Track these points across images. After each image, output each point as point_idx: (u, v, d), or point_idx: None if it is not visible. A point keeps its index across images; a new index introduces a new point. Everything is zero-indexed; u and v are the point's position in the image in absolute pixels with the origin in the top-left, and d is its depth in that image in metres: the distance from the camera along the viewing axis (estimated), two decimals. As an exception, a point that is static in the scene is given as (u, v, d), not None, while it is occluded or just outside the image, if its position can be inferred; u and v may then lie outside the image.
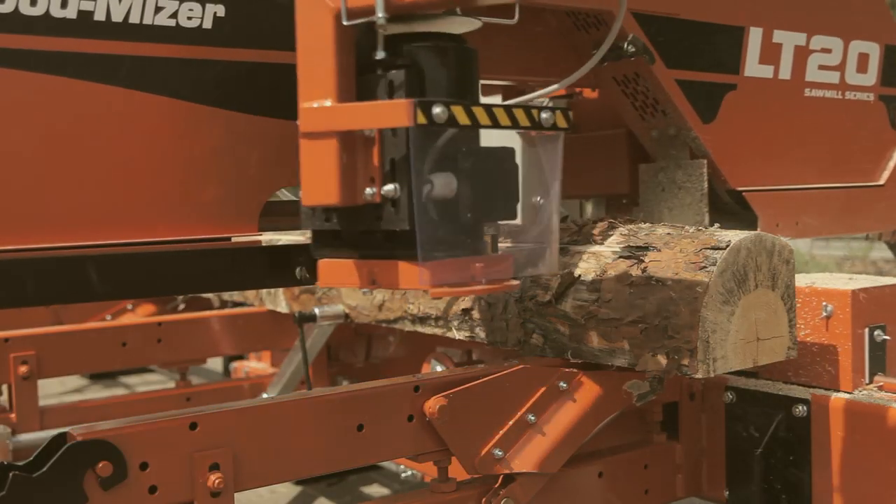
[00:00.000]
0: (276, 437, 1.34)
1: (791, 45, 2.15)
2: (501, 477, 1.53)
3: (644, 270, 1.48)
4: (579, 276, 1.57)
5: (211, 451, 1.27)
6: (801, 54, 2.17)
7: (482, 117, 1.09)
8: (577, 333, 1.56)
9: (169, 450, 1.25)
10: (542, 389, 1.55)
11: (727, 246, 1.42)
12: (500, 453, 1.50)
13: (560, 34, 2.05)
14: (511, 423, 1.52)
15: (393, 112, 1.06)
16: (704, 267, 1.41)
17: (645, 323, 1.45)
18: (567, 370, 1.56)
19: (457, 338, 1.85)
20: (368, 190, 1.12)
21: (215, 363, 4.36)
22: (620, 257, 1.53)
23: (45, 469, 1.16)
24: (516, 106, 1.13)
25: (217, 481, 1.26)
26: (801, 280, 1.71)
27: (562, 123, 1.17)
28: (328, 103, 1.12)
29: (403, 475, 2.59)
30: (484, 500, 1.52)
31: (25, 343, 2.36)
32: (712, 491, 1.79)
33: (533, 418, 1.53)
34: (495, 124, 1.10)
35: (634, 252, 1.53)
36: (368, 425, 1.42)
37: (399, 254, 1.13)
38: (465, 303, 1.78)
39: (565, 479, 1.62)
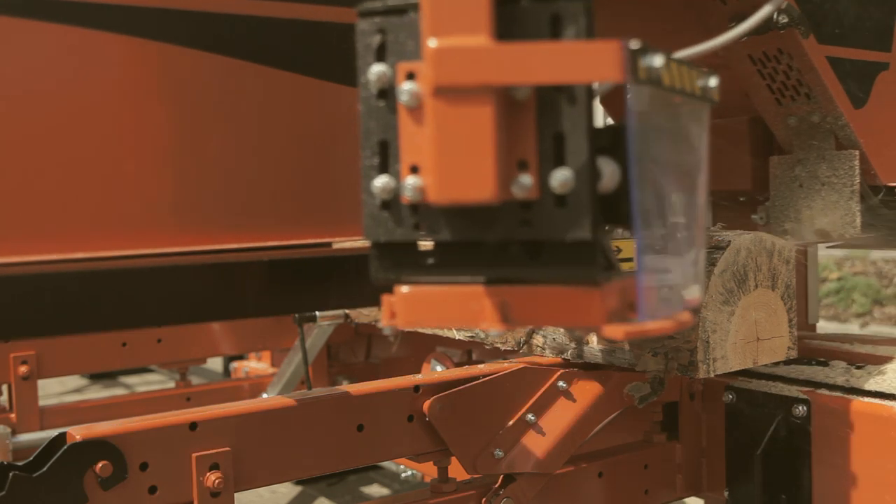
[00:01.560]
0: (276, 437, 1.34)
1: None
2: (501, 477, 1.53)
3: (644, 270, 1.48)
4: (579, 276, 1.57)
5: (211, 451, 1.27)
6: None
7: (679, 78, 0.80)
8: (576, 333, 1.56)
9: (169, 450, 1.25)
10: (542, 389, 1.55)
11: (727, 246, 1.42)
12: (500, 453, 1.50)
13: (687, 4, 1.79)
14: (511, 423, 1.52)
15: (596, 60, 0.72)
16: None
17: (645, 323, 1.45)
18: (567, 370, 1.56)
19: (457, 338, 1.85)
20: (523, 179, 0.76)
21: (215, 363, 4.37)
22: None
23: (45, 469, 1.16)
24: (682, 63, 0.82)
25: (217, 481, 1.26)
26: None
27: (715, 97, 0.90)
28: (479, 42, 0.74)
29: (403, 475, 2.60)
30: (484, 500, 1.52)
31: (25, 343, 2.36)
32: (712, 491, 1.79)
33: (533, 418, 1.53)
34: (682, 89, 0.82)
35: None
36: (368, 425, 1.42)
37: (559, 276, 0.79)
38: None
39: (565, 479, 1.62)
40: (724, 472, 1.72)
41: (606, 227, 0.80)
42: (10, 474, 1.14)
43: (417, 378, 1.50)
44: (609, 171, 0.76)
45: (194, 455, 1.26)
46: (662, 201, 0.82)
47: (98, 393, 4.49)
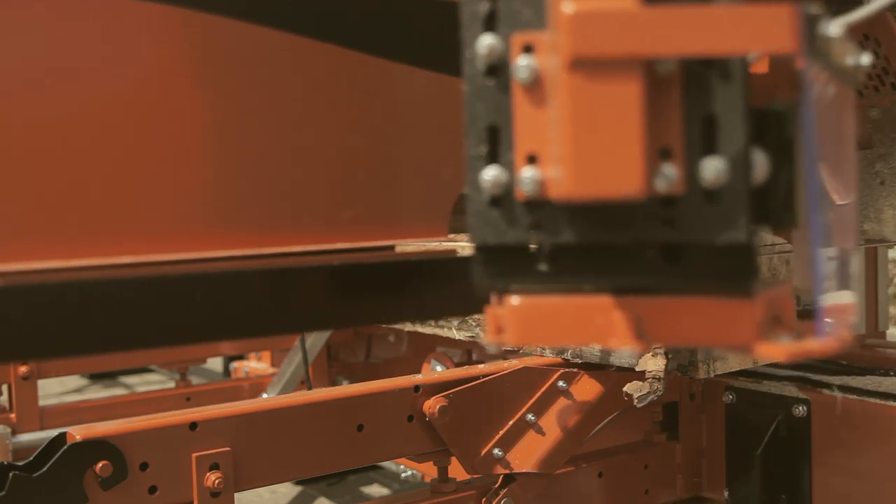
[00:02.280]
0: (276, 437, 1.34)
1: None
2: (501, 477, 1.53)
3: (644, 270, 1.48)
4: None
5: (211, 451, 1.27)
6: None
7: (840, 52, 0.68)
8: (577, 333, 1.56)
9: (169, 450, 1.25)
10: (542, 389, 1.55)
11: (727, 246, 1.42)
12: (500, 453, 1.50)
13: None
14: (511, 423, 1.52)
15: (764, 26, 0.60)
16: (704, 267, 1.41)
17: (645, 323, 1.44)
18: (567, 370, 1.56)
19: (457, 338, 1.85)
20: (667, 170, 0.63)
21: (215, 363, 4.37)
22: (620, 257, 1.53)
23: (45, 469, 1.16)
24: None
25: (217, 481, 1.26)
26: None
27: (862, 77, 0.78)
28: (624, 5, 0.62)
29: (403, 475, 2.60)
30: (484, 500, 1.52)
31: (25, 343, 2.36)
32: (712, 491, 1.79)
33: (533, 418, 1.53)
34: (840, 66, 0.70)
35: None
36: (368, 425, 1.42)
37: (706, 283, 0.67)
38: (465, 303, 1.78)
39: (565, 479, 1.62)
40: (724, 472, 1.72)
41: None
42: (10, 474, 1.14)
43: (417, 378, 1.50)
44: (760, 163, 0.64)
45: (194, 455, 1.26)
46: (818, 197, 0.69)
47: (98, 393, 4.49)
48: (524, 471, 1.51)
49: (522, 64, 0.65)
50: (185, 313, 0.87)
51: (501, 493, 1.51)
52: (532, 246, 0.70)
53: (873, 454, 1.52)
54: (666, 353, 1.43)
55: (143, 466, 1.23)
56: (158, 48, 0.89)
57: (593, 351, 1.54)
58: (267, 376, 2.91)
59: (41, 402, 2.43)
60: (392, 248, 1.02)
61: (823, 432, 1.57)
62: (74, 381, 4.68)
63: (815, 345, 0.69)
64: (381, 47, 0.95)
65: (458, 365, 2.10)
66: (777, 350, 0.66)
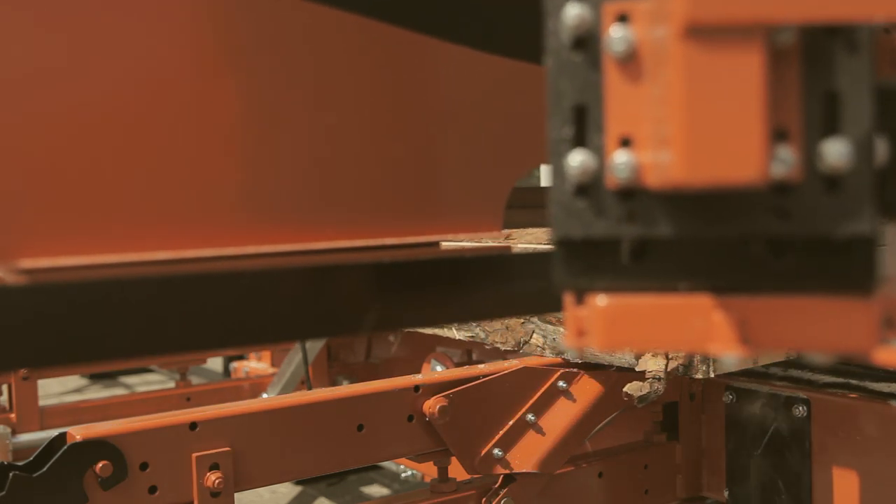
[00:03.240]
0: (276, 437, 1.34)
1: None
2: (501, 477, 1.53)
3: (644, 270, 1.48)
4: (579, 276, 1.57)
5: (211, 451, 1.27)
6: None
7: None
8: (577, 333, 1.56)
9: (169, 450, 1.25)
10: (542, 389, 1.55)
11: (727, 246, 1.42)
12: (500, 453, 1.50)
13: None
14: (511, 423, 1.52)
15: None
16: (704, 267, 1.41)
17: (645, 323, 1.45)
18: (567, 370, 1.56)
19: (457, 338, 1.85)
20: (783, 154, 0.57)
21: (215, 363, 4.37)
22: (620, 257, 1.53)
23: (45, 469, 1.16)
24: None
25: (217, 481, 1.26)
26: None
27: None
28: None
29: (403, 475, 2.60)
30: (484, 500, 1.52)
31: (25, 343, 2.36)
32: (712, 491, 1.79)
33: (533, 418, 1.53)
34: None
35: (634, 252, 1.53)
36: (368, 425, 1.42)
37: (822, 281, 0.60)
38: (465, 303, 1.78)
39: (565, 479, 1.62)
40: (724, 472, 1.72)
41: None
42: (10, 474, 1.14)
43: (417, 378, 1.50)
44: (880, 147, 0.58)
45: (194, 455, 1.26)
46: None
47: (98, 393, 4.49)
48: (524, 471, 1.51)
49: (617, 35, 0.58)
50: (218, 315, 0.81)
51: (501, 493, 1.51)
52: (623, 241, 0.63)
53: (873, 454, 1.52)
54: (666, 354, 1.42)
55: (143, 466, 1.23)
56: (186, 32, 0.83)
57: (594, 351, 1.54)
58: (267, 376, 2.91)
59: (41, 402, 2.43)
60: (437, 244, 0.95)
61: (823, 432, 1.57)
62: (74, 381, 4.68)
63: None
64: (426, 23, 0.86)
65: (458, 365, 2.10)
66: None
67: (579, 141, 0.61)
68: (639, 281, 0.63)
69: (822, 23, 0.55)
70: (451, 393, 1.47)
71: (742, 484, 1.68)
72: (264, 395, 2.52)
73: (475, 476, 1.53)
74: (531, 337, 1.65)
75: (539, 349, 1.65)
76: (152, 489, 1.24)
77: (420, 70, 0.91)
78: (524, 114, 0.93)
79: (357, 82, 0.89)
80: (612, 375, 1.55)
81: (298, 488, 3.05)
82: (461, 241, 1.00)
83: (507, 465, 1.50)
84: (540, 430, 1.53)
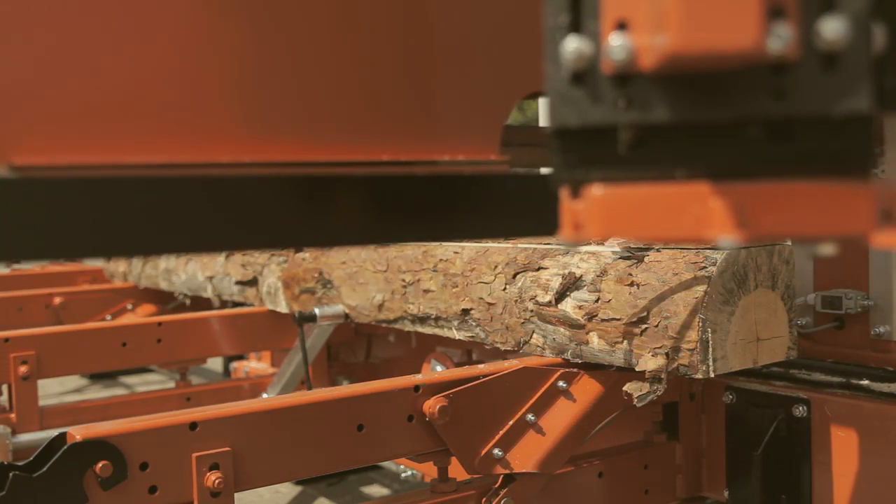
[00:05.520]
0: (276, 437, 1.34)
1: None
2: (501, 477, 1.53)
3: (644, 271, 1.48)
4: (580, 276, 1.57)
5: (211, 451, 1.27)
6: None
7: None
8: (577, 333, 1.56)
9: (169, 450, 1.25)
10: (542, 389, 1.55)
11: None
12: (500, 453, 1.50)
13: None
14: (511, 423, 1.52)
15: None
16: (704, 267, 1.41)
17: (645, 323, 1.45)
18: (567, 370, 1.56)
19: (457, 338, 1.85)
20: (780, 30, 0.55)
21: (215, 363, 4.37)
22: (620, 257, 1.54)
23: (45, 469, 1.16)
24: None
25: (217, 481, 1.26)
26: None
27: None
28: None
29: (403, 475, 2.59)
30: (484, 500, 1.52)
31: (25, 343, 2.36)
32: (712, 491, 1.79)
33: (533, 418, 1.53)
34: None
35: (634, 252, 1.53)
36: (368, 425, 1.42)
37: (818, 165, 0.59)
38: (464, 303, 1.78)
39: (565, 479, 1.62)
40: (724, 472, 1.72)
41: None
42: (10, 474, 1.14)
43: (417, 378, 1.50)
44: (877, 33, 0.57)
45: (194, 455, 1.26)
46: None
47: (98, 393, 4.49)
48: (524, 471, 1.51)
49: None
50: (219, 216, 0.84)
51: (501, 493, 1.51)
52: (621, 128, 0.62)
53: (873, 454, 1.52)
54: (666, 354, 1.42)
55: (143, 466, 1.23)
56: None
57: (594, 351, 1.54)
58: (267, 376, 2.91)
59: (41, 402, 2.43)
60: (436, 163, 0.95)
61: (823, 432, 1.57)
62: (74, 381, 4.68)
63: None
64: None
65: (458, 365, 2.10)
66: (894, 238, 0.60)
67: (575, 28, 0.61)
68: (635, 170, 0.62)
69: None
70: (451, 393, 1.47)
71: (742, 484, 1.68)
72: (264, 395, 2.52)
73: (475, 476, 1.53)
74: (531, 337, 1.65)
75: (539, 349, 1.65)
76: (152, 489, 1.24)
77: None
78: (524, 40, 0.91)
79: (356, 4, 0.91)
80: (612, 375, 1.55)
81: (298, 488, 3.05)
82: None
83: (507, 465, 1.50)
84: (540, 430, 1.53)
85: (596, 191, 0.63)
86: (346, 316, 2.19)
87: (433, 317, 1.88)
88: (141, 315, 3.48)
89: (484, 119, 0.95)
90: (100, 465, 1.19)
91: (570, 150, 0.63)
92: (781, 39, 0.55)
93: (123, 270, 3.60)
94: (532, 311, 1.63)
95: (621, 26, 0.58)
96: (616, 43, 0.58)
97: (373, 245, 2.45)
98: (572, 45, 0.60)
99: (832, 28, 0.55)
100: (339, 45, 0.90)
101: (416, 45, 0.93)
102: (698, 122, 0.59)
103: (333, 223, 0.89)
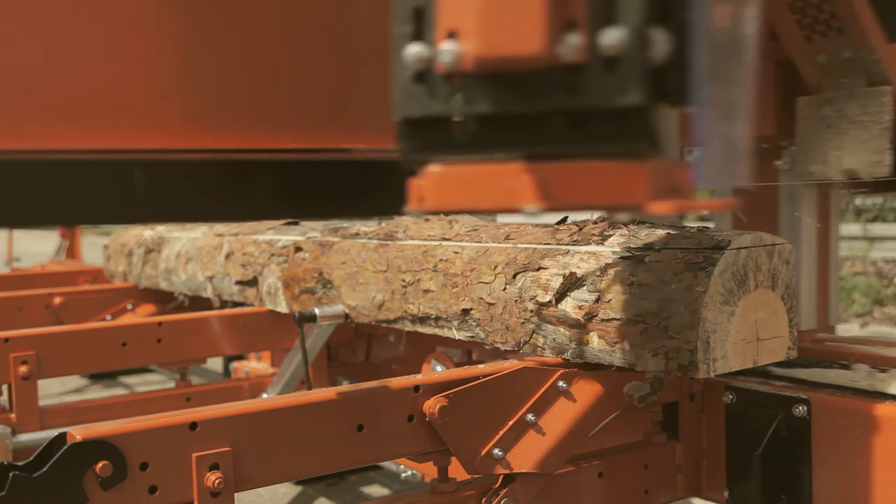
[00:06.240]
0: (276, 437, 1.34)
1: None
2: (501, 477, 1.53)
3: (644, 271, 1.48)
4: (580, 276, 1.57)
5: (211, 451, 1.27)
6: None
7: None
8: (577, 333, 1.56)
9: (169, 450, 1.25)
10: (542, 389, 1.55)
11: (727, 246, 1.42)
12: (500, 453, 1.50)
13: None
14: (511, 423, 1.52)
15: None
16: (704, 267, 1.41)
17: (645, 323, 1.45)
18: (567, 370, 1.56)
19: (457, 338, 1.85)
20: (571, 39, 0.69)
21: (215, 363, 4.37)
22: (621, 257, 1.54)
23: (45, 469, 1.16)
24: None
25: (217, 481, 1.26)
26: None
27: None
28: None
29: (403, 475, 2.59)
30: (484, 500, 1.52)
31: (25, 343, 2.36)
32: (712, 491, 1.79)
33: (533, 418, 1.53)
34: None
35: (635, 252, 1.53)
36: (368, 425, 1.42)
37: (607, 149, 0.73)
38: (464, 303, 1.78)
39: (565, 479, 1.62)
40: (724, 472, 1.72)
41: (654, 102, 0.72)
42: (10, 474, 1.14)
43: (417, 378, 1.50)
44: (661, 40, 0.69)
45: (194, 455, 1.26)
46: (712, 77, 0.74)
47: (98, 393, 4.49)
48: (524, 471, 1.51)
49: None
50: (148, 194, 1.01)
51: (501, 493, 1.51)
52: (452, 118, 0.77)
53: (873, 454, 1.52)
54: (666, 353, 1.42)
55: (143, 466, 1.23)
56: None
57: (594, 351, 1.54)
58: (267, 376, 2.91)
59: (41, 402, 2.43)
60: (345, 150, 1.09)
61: (823, 432, 1.57)
62: (74, 381, 4.68)
63: (701, 203, 0.79)
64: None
65: (458, 365, 2.10)
66: (665, 206, 0.74)
67: (416, 36, 0.75)
68: (465, 152, 0.77)
69: None
70: (451, 393, 1.47)
71: (742, 484, 1.68)
72: (264, 395, 2.51)
73: (475, 476, 1.53)
74: (531, 337, 1.65)
75: (539, 349, 1.65)
76: (152, 489, 1.24)
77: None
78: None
79: (273, 9, 1.06)
80: (612, 375, 1.55)
81: (298, 488, 3.05)
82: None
83: (507, 465, 1.50)
84: (540, 430, 1.53)
85: (434, 169, 0.79)
86: (346, 316, 2.19)
87: (433, 317, 1.88)
88: (141, 315, 3.48)
89: (382, 112, 1.03)
90: (100, 465, 1.19)
91: (414, 136, 0.78)
92: (572, 46, 0.69)
93: (123, 270, 3.60)
94: (532, 311, 1.63)
95: (451, 35, 0.72)
96: (446, 48, 0.72)
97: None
98: (413, 50, 0.75)
99: (612, 37, 0.68)
100: (264, 50, 1.06)
101: (329, 50, 1.07)
102: (513, 113, 0.74)
103: (253, 200, 1.07)
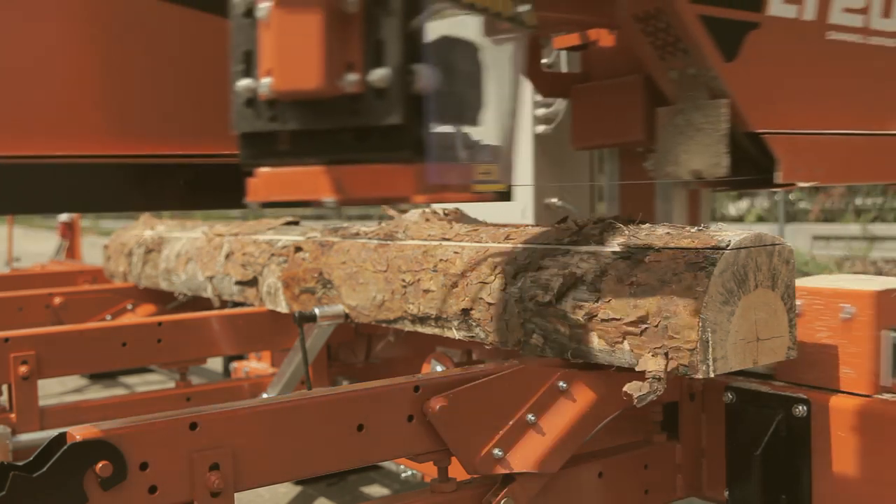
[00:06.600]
0: (276, 437, 1.34)
1: None
2: (501, 477, 1.53)
3: (644, 271, 1.48)
4: (580, 276, 1.57)
5: (211, 451, 1.27)
6: (826, -6, 2.07)
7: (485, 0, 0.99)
8: (577, 333, 1.56)
9: (169, 450, 1.25)
10: (542, 389, 1.55)
11: (727, 246, 1.42)
12: (500, 453, 1.50)
13: None
14: (511, 423, 1.52)
15: None
16: (704, 267, 1.41)
17: (645, 323, 1.45)
18: (567, 370, 1.56)
19: (457, 338, 1.85)
20: (349, 77, 0.94)
21: (215, 363, 4.37)
22: (620, 257, 1.54)
23: (45, 469, 1.16)
24: None
25: (217, 481, 1.26)
26: (822, 281, 1.71)
27: (531, 21, 1.10)
28: None
29: (403, 475, 2.59)
30: (484, 500, 1.52)
31: (25, 343, 2.36)
32: (712, 491, 1.79)
33: (533, 418, 1.53)
34: (486, 9, 1.02)
35: (634, 252, 1.53)
36: (368, 425, 1.42)
37: (380, 156, 0.99)
38: (464, 303, 1.78)
39: (565, 479, 1.62)
40: (724, 472, 1.72)
41: (423, 122, 0.98)
42: (10, 474, 1.14)
43: (417, 378, 1.50)
44: (426, 75, 0.94)
45: (194, 455, 1.26)
46: (462, 104, 1.03)
47: (98, 393, 4.49)
48: (524, 471, 1.51)
49: (262, 6, 0.97)
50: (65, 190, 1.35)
51: (501, 493, 1.51)
52: (275, 132, 1.01)
53: (873, 454, 1.52)
54: (666, 353, 1.42)
55: (143, 466, 1.23)
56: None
57: (594, 351, 1.54)
58: (267, 376, 2.91)
59: (41, 402, 2.43)
60: (224, 156, 1.33)
61: (823, 432, 1.57)
62: (74, 381, 4.68)
63: (452, 195, 1.10)
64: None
65: (458, 365, 2.10)
66: (426, 198, 1.02)
67: (246, 73, 1.00)
68: (286, 159, 1.02)
69: None
70: (451, 393, 1.47)
71: (742, 484, 1.68)
72: (264, 395, 2.51)
73: (475, 476, 1.53)
74: (531, 337, 1.65)
75: (539, 349, 1.65)
76: (152, 489, 1.24)
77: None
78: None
79: (181, 46, 1.39)
80: (613, 375, 1.55)
81: (298, 488, 3.05)
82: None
83: (507, 465, 1.50)
84: (540, 430, 1.53)
85: (262, 171, 1.05)
86: (346, 316, 2.19)
87: (433, 317, 1.88)
88: (141, 315, 3.48)
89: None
90: (100, 465, 1.19)
91: (248, 147, 1.03)
92: (350, 81, 0.95)
93: (123, 270, 3.60)
94: (532, 311, 1.63)
95: (268, 73, 0.97)
96: (264, 82, 0.98)
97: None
98: (244, 83, 1.00)
99: (379, 75, 0.94)
100: (166, 79, 1.40)
101: (211, 80, 1.28)
102: (314, 129, 0.99)
103: (155, 194, 1.41)
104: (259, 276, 2.57)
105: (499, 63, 1.09)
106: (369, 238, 2.19)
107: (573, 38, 2.51)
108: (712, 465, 1.78)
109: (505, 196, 1.19)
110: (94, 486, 1.19)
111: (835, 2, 2.09)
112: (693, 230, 1.53)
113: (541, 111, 3.12)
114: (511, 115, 1.12)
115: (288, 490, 3.04)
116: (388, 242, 2.09)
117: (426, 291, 1.89)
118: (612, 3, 2.00)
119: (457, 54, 1.03)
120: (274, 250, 2.53)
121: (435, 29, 0.98)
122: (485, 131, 1.10)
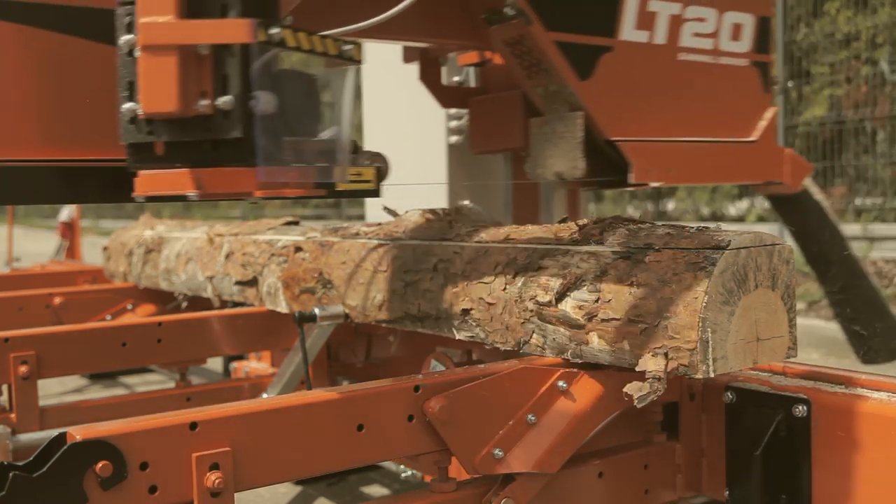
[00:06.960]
0: (276, 437, 1.34)
1: (666, 14, 2.36)
2: (501, 477, 1.53)
3: (644, 271, 1.48)
4: (580, 276, 1.57)
5: (211, 451, 1.27)
6: (676, 22, 2.38)
7: (304, 42, 1.26)
8: (577, 333, 1.56)
9: (169, 450, 1.25)
10: (542, 389, 1.55)
11: (727, 246, 1.42)
12: (500, 453, 1.50)
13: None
14: (511, 423, 1.52)
15: (235, 29, 1.18)
16: (704, 267, 1.41)
17: (645, 323, 1.45)
18: (567, 370, 1.56)
19: (457, 338, 1.85)
20: (202, 101, 1.19)
21: (215, 363, 4.36)
22: (620, 257, 1.54)
23: (45, 469, 1.16)
24: (327, 36, 1.30)
25: (217, 481, 1.26)
26: None
27: (357, 56, 1.33)
28: (168, 19, 1.20)
29: (403, 475, 2.59)
30: (484, 500, 1.52)
31: (25, 343, 2.36)
32: (712, 491, 1.79)
33: (533, 418, 1.53)
34: (312, 50, 1.27)
35: (634, 252, 1.53)
36: (368, 425, 1.42)
37: (228, 161, 1.23)
38: (464, 303, 1.78)
39: (565, 479, 1.62)
40: (724, 472, 1.72)
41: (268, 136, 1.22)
42: (10, 474, 1.14)
43: (417, 378, 1.50)
44: (263, 100, 1.19)
45: (194, 455, 1.26)
46: (294, 120, 1.27)
47: (98, 393, 4.49)
48: (524, 471, 1.51)
49: (138, 49, 1.21)
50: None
51: (501, 493, 1.51)
52: (152, 143, 1.25)
53: (874, 454, 1.52)
54: (666, 353, 1.42)
55: (143, 466, 1.23)
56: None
57: (594, 351, 1.54)
58: (267, 376, 2.91)
59: (41, 402, 2.43)
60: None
61: (823, 432, 1.57)
62: (74, 381, 4.68)
63: (288, 191, 1.32)
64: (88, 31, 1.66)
65: (458, 365, 2.10)
66: (263, 193, 1.25)
67: (130, 98, 1.25)
68: (161, 163, 1.26)
69: (211, 42, 1.19)
70: (451, 393, 1.47)
71: (742, 484, 1.68)
72: (264, 395, 2.51)
73: (475, 476, 1.53)
74: (531, 337, 1.65)
75: (539, 349, 1.65)
76: (152, 489, 1.24)
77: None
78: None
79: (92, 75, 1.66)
80: (613, 375, 1.55)
81: (298, 488, 3.05)
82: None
83: (507, 465, 1.50)
84: (540, 430, 1.53)
85: (143, 173, 1.30)
86: (346, 316, 2.19)
87: (433, 317, 1.88)
88: (141, 315, 3.48)
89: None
90: (100, 465, 1.19)
91: (133, 153, 1.28)
92: (203, 105, 1.19)
93: (123, 270, 3.60)
94: (532, 311, 1.63)
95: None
96: (135, 105, 1.24)
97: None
98: (128, 105, 1.25)
99: (223, 101, 1.19)
100: (84, 96, 1.67)
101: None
102: (181, 140, 1.23)
103: (82, 191, 1.75)
104: (259, 276, 2.57)
105: (337, 86, 1.39)
106: (369, 238, 2.19)
107: (473, 56, 2.88)
108: (712, 465, 1.78)
109: (373, 193, 1.49)
110: (94, 486, 1.19)
111: (686, 27, 2.41)
112: (693, 230, 1.53)
113: (454, 123, 3.40)
114: (349, 124, 1.38)
115: (288, 490, 3.03)
116: (388, 242, 2.09)
117: (426, 291, 1.89)
118: (486, 29, 2.25)
119: (293, 82, 1.27)
120: (274, 250, 2.53)
121: (280, 63, 1.26)
122: (325, 139, 1.36)
